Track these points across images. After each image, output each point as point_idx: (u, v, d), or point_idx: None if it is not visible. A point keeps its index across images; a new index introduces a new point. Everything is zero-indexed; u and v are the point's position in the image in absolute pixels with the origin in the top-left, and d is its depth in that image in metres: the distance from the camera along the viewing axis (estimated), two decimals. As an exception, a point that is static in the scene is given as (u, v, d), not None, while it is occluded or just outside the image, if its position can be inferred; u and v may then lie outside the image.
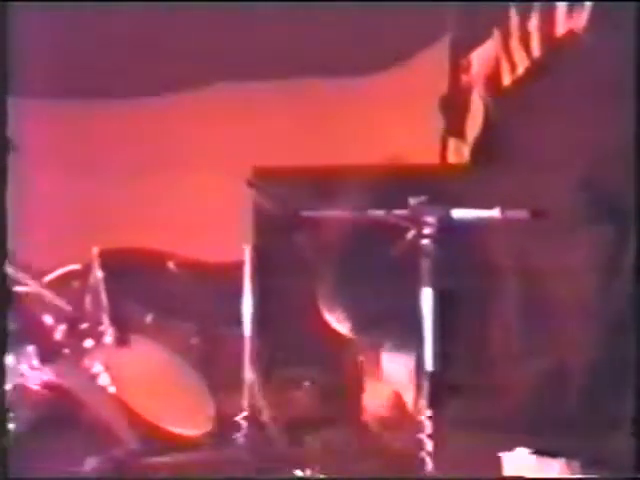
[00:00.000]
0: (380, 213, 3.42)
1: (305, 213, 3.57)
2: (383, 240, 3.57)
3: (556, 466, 4.01)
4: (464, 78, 5.17)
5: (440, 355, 3.27)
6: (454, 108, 5.21)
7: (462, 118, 5.16)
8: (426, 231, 3.30)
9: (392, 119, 5.94)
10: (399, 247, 3.33)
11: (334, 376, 4.80)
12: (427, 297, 3.31)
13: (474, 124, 5.08)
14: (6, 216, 3.88)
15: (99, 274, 4.39)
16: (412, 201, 3.34)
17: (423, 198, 3.34)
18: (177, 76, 6.08)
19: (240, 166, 5.14)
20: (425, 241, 3.30)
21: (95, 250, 4.48)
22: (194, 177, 6.12)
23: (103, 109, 6.14)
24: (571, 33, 4.44)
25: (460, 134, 5.17)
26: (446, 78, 5.32)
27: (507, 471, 4.03)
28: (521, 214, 3.22)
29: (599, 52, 4.22)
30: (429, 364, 3.25)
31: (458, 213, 3.32)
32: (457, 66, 5.23)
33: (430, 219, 3.29)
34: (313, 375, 4.89)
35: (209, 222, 5.84)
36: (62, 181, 5.99)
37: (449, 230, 3.36)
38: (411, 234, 3.31)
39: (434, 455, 3.43)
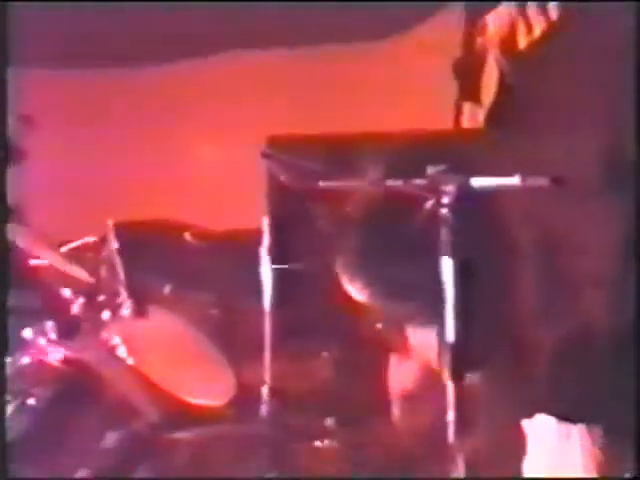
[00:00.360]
0: (398, 183, 3.38)
1: (323, 184, 3.53)
2: (402, 209, 3.53)
3: (577, 432, 3.99)
4: (479, 41, 5.11)
5: (462, 326, 3.24)
6: (468, 71, 5.14)
7: (477, 81, 5.09)
8: (445, 200, 3.25)
9: (406, 83, 5.90)
10: (420, 217, 3.30)
11: (354, 347, 4.79)
12: (447, 267, 3.27)
13: (489, 87, 5.02)
14: (6, 190, 3.85)
15: (115, 245, 4.37)
16: (430, 170, 3.29)
17: (442, 167, 3.30)
18: (189, 43, 6.03)
19: (254, 134, 5.11)
20: (444, 210, 3.26)
21: (110, 222, 4.46)
22: (207, 146, 6.09)
23: (112, 77, 6.10)
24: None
25: (475, 98, 5.12)
26: (460, 41, 5.26)
27: (528, 438, 4.02)
28: (541, 181, 3.17)
29: (620, 13, 4.15)
30: (450, 335, 3.22)
31: (477, 181, 3.28)
32: (471, 29, 5.16)
33: (449, 188, 3.25)
34: (332, 346, 4.87)
35: (223, 191, 5.82)
36: (74, 153, 5.96)
37: (468, 198, 3.31)
38: (430, 203, 3.27)
39: (456, 424, 3.40)
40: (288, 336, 4.58)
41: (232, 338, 4.75)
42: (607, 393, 4.05)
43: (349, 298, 4.46)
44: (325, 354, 4.85)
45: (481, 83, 5.07)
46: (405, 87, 5.94)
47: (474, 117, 5.14)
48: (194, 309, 4.78)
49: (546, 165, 4.04)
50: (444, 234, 3.26)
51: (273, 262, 4.01)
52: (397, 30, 5.98)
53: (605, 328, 4.10)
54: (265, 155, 3.65)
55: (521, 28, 4.83)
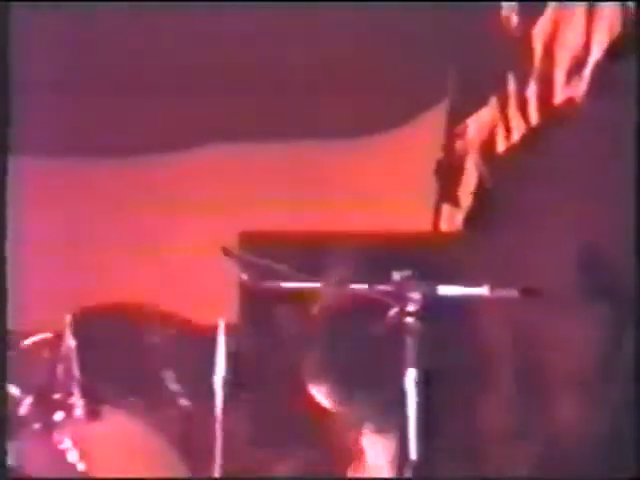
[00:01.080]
0: (363, 287, 3.23)
1: (285, 285, 3.38)
2: (367, 314, 3.40)
3: None
4: (459, 144, 5.07)
5: (425, 441, 3.07)
6: (448, 174, 5.10)
7: (456, 184, 5.05)
8: (410, 308, 3.10)
9: (387, 183, 5.84)
10: (381, 325, 3.15)
11: (318, 453, 4.60)
12: (411, 378, 3.10)
13: (468, 191, 4.97)
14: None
15: (72, 343, 4.21)
16: (396, 275, 3.15)
17: (408, 272, 3.15)
18: (169, 136, 6.00)
19: (229, 229, 5.02)
20: (409, 319, 3.11)
21: (68, 318, 4.30)
22: (181, 239, 6.00)
23: (87, 169, 6.04)
24: (569, 101, 4.32)
25: (454, 200, 5.06)
26: (442, 143, 5.22)
27: None
28: (511, 293, 3.03)
29: (598, 121, 4.09)
30: (412, 451, 3.04)
31: (445, 289, 3.13)
32: (453, 131, 5.13)
33: (415, 295, 3.10)
34: (297, 452, 4.68)
35: (194, 287, 5.70)
36: (40, 243, 5.85)
37: (436, 306, 3.17)
38: (394, 311, 3.12)
39: None
40: (249, 441, 4.42)
41: (193, 441, 4.56)
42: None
43: (314, 402, 4.31)
44: (289, 461, 4.65)
45: (460, 186, 5.02)
46: (386, 186, 5.87)
47: (452, 219, 5.06)
48: (152, 411, 4.59)
49: (522, 273, 3.93)
50: (409, 343, 3.10)
51: (229, 364, 3.86)
52: (380, 129, 5.93)
53: (580, 443, 3.97)
54: (227, 253, 3.52)
55: (501, 133, 4.80)
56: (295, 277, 3.36)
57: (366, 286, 3.24)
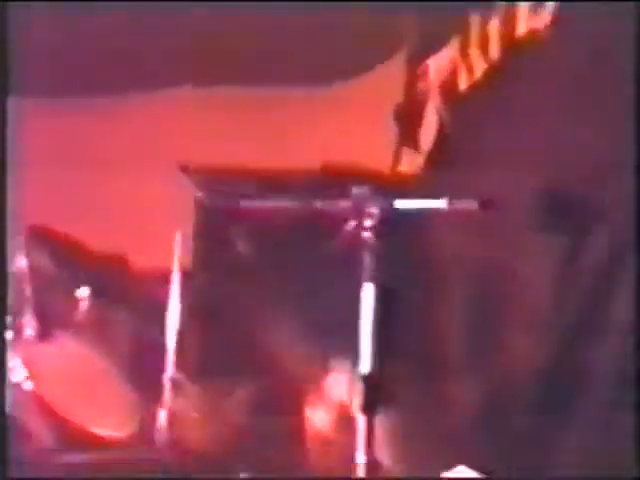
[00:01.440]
0: (321, 203, 3.20)
1: (243, 203, 3.34)
2: (327, 233, 3.37)
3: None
4: (420, 86, 5.03)
5: (378, 357, 3.05)
6: (408, 118, 5.07)
7: (416, 128, 5.02)
8: (368, 223, 3.07)
9: (349, 129, 5.81)
10: (338, 240, 3.12)
11: (272, 387, 4.58)
12: (368, 294, 3.08)
13: (428, 134, 4.94)
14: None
15: (23, 263, 4.16)
16: (355, 190, 3.12)
17: (365, 188, 3.12)
18: (140, 77, 5.95)
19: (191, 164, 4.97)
20: (367, 233, 3.08)
21: (21, 238, 4.24)
22: (142, 175, 5.96)
23: (59, 107, 5.98)
24: (532, 33, 4.30)
25: (414, 144, 5.04)
26: (402, 89, 5.19)
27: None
28: (470, 204, 3.01)
29: (561, 52, 4.07)
30: (365, 365, 3.02)
31: (402, 203, 3.11)
32: (413, 75, 5.10)
33: (372, 210, 3.07)
34: (248, 384, 4.66)
35: (152, 222, 5.66)
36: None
37: (395, 223, 3.14)
38: (351, 225, 3.09)
39: (369, 466, 3.19)
40: (202, 369, 4.39)
41: (143, 366, 4.52)
42: (528, 448, 3.92)
43: (272, 333, 4.29)
44: (240, 392, 4.63)
45: (420, 129, 4.99)
46: (346, 133, 5.84)
47: (412, 162, 5.04)
48: (105, 336, 4.54)
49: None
50: (366, 259, 3.08)
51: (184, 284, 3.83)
52: (343, 77, 5.89)
53: (531, 377, 3.97)
54: (184, 170, 3.47)
55: (462, 71, 4.77)
56: (253, 194, 3.33)
57: (324, 201, 3.21)
